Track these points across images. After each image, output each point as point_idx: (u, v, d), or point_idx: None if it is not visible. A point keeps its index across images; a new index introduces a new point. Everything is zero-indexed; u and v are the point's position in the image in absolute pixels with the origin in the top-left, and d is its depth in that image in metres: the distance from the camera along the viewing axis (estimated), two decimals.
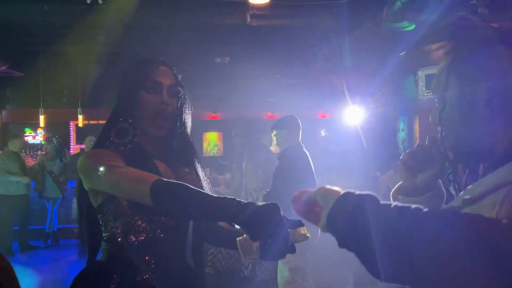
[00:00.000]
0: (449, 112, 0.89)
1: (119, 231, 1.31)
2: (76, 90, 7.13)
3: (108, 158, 1.27)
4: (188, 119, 1.43)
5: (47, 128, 8.79)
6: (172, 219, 1.34)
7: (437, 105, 0.90)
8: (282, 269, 3.45)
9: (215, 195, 1.11)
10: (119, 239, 1.31)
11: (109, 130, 1.35)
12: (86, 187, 1.34)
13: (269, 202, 1.00)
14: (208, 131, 10.36)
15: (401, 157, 1.07)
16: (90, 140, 6.65)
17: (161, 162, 1.38)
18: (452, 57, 0.88)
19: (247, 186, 4.76)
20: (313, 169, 3.54)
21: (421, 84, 5.62)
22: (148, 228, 1.31)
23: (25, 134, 9.95)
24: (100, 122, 9.84)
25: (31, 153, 9.36)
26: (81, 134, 8.41)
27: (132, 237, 1.30)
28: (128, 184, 1.20)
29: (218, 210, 1.05)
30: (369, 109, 7.76)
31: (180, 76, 1.44)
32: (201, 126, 10.25)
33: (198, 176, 1.44)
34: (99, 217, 1.35)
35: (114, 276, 1.28)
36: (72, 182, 6.69)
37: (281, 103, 8.21)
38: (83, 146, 6.87)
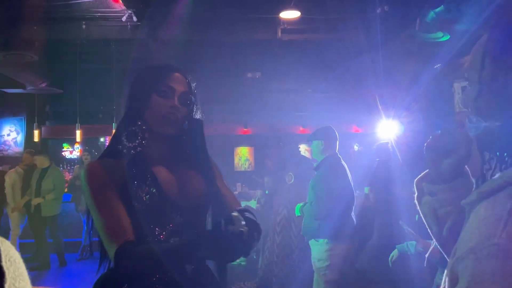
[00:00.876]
0: (482, 97, 0.80)
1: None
2: (111, 106, 7.31)
3: (99, 183, 1.26)
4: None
5: (84, 143, 9.04)
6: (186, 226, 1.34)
7: (469, 87, 0.83)
8: (319, 281, 3.38)
9: (172, 246, 1.23)
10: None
11: (119, 134, 1.36)
12: None
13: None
14: (239, 146, 10.39)
15: (427, 141, 1.01)
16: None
17: (162, 168, 1.37)
18: (489, 38, 0.80)
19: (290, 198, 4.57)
20: (351, 181, 3.47)
21: (457, 97, 5.45)
22: (163, 235, 1.31)
23: (63, 150, 10.26)
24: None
25: (69, 167, 9.63)
26: None
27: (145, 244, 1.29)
28: (101, 232, 1.25)
29: (179, 259, 1.19)
30: (403, 123, 7.59)
31: (194, 85, 1.44)
32: (233, 141, 10.29)
33: (209, 181, 1.42)
34: None
35: (126, 285, 1.28)
36: (67, 196, 6.82)
37: (313, 117, 8.14)
38: None
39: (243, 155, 10.43)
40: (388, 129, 7.23)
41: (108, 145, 1.43)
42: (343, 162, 3.48)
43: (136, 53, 6.29)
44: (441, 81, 6.19)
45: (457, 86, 5.43)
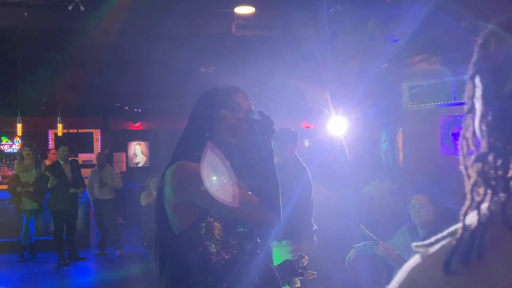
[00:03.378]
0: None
1: (213, 250, 1.41)
2: (56, 98, 6.96)
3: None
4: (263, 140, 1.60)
5: (24, 137, 8.57)
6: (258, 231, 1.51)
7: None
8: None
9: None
10: (214, 259, 1.40)
11: (191, 143, 1.54)
12: (173, 203, 1.44)
13: None
14: None
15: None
16: (63, 150, 6.45)
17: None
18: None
19: None
20: (310, 182, 3.39)
21: (405, 96, 5.66)
22: (237, 243, 1.43)
23: (1, 143, 9.68)
24: (81, 131, 9.67)
25: (8, 162, 9.10)
26: (60, 143, 8.19)
27: (225, 255, 1.41)
28: (252, 208, 1.44)
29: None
30: (351, 120, 7.79)
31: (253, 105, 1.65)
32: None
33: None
34: (188, 239, 1.42)
35: None
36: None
37: (265, 113, 8.16)
38: None
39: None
40: (337, 125, 7.38)
41: (180, 150, 1.57)
42: (300, 163, 3.44)
43: (83, 43, 6.03)
44: (390, 80, 6.40)
45: (405, 85, 5.64)
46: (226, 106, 1.56)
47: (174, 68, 7.63)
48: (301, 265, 1.74)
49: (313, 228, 3.24)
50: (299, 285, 1.79)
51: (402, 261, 2.49)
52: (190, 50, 6.66)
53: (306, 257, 1.80)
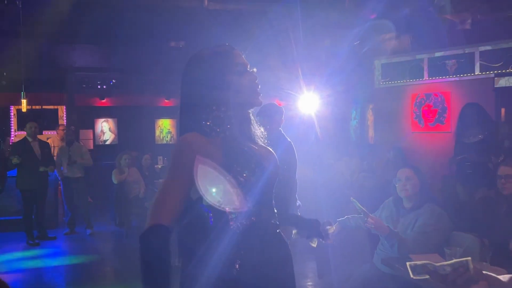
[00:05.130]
0: None
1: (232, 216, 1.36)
2: (19, 72, 6.64)
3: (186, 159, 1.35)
4: None
5: None
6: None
7: None
8: None
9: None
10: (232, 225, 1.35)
11: (202, 116, 1.42)
12: None
13: None
14: (160, 118, 10.08)
15: None
16: (31, 126, 6.18)
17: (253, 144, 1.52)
18: None
19: None
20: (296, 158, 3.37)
21: (377, 73, 5.73)
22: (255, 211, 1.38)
23: None
24: (45, 107, 9.31)
25: None
26: (24, 120, 7.86)
27: (243, 221, 1.36)
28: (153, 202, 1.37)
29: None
30: (323, 97, 7.84)
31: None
32: (154, 113, 9.95)
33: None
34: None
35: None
36: (12, 172, 6.22)
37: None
38: (24, 133, 6.39)
39: (164, 127, 10.13)
40: (308, 102, 7.42)
41: (185, 124, 1.47)
42: (286, 139, 3.40)
43: (45, 15, 5.74)
44: (361, 57, 6.45)
45: (378, 62, 5.69)
46: (235, 71, 1.45)
47: (142, 42, 7.41)
48: (326, 229, 1.77)
49: (297, 204, 3.27)
50: (315, 244, 1.80)
51: (391, 233, 2.58)
52: (160, 23, 6.47)
53: (333, 226, 1.84)
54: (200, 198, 1.36)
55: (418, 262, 1.49)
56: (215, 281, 1.33)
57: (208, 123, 1.42)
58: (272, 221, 1.46)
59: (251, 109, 1.53)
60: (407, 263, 1.53)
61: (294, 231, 1.85)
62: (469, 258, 1.40)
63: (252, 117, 1.55)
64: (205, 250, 1.36)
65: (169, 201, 1.34)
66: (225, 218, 1.34)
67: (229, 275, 1.33)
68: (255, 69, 1.52)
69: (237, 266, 1.34)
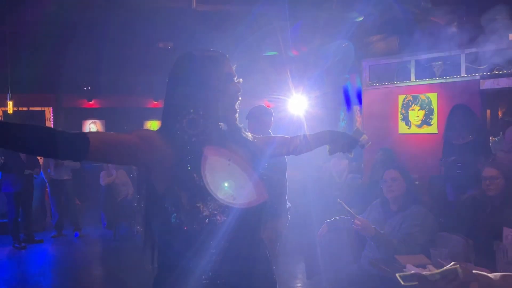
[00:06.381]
0: None
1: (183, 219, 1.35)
2: (5, 73, 6.56)
3: (141, 135, 1.35)
4: None
5: None
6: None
7: None
8: None
9: None
10: (185, 228, 1.35)
11: (179, 116, 1.41)
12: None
13: None
14: (149, 120, 10.03)
15: None
16: None
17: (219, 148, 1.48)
18: None
19: None
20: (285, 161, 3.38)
21: (365, 75, 5.76)
22: (209, 213, 1.36)
23: None
24: (32, 108, 9.21)
25: None
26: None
27: (196, 225, 1.35)
28: None
29: None
30: (311, 98, 7.87)
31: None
32: (143, 114, 9.89)
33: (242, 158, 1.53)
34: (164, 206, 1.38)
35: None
36: None
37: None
38: None
39: (153, 129, 10.07)
40: (297, 104, 7.44)
41: (162, 122, 1.47)
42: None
43: (34, 15, 5.69)
44: (349, 58, 6.48)
45: (365, 64, 5.73)
46: (219, 77, 1.44)
47: (131, 43, 7.37)
48: (360, 139, 1.80)
49: (287, 206, 3.27)
50: (352, 155, 1.88)
51: (377, 234, 2.60)
52: (148, 24, 6.44)
53: (365, 135, 1.83)
54: (164, 195, 1.37)
55: (408, 273, 1.50)
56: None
57: (182, 123, 1.40)
58: (246, 226, 1.43)
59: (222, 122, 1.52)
60: (397, 274, 1.53)
61: (328, 147, 1.82)
62: (458, 265, 1.42)
63: (237, 124, 1.55)
64: (174, 253, 1.38)
65: (107, 135, 1.31)
66: (186, 219, 1.35)
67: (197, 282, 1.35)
68: (241, 80, 1.51)
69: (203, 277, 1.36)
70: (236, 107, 1.50)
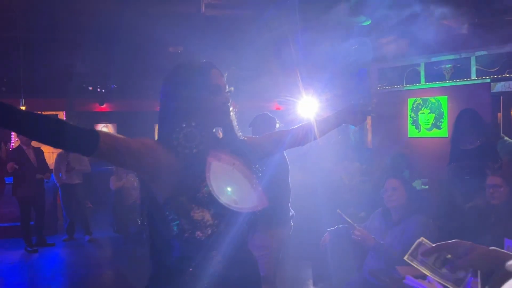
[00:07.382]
0: None
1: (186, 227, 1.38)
2: (18, 78, 6.67)
3: (142, 143, 1.39)
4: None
5: None
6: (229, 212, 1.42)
7: None
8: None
9: None
10: (186, 235, 1.38)
11: (174, 130, 1.43)
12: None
13: None
14: None
15: None
16: None
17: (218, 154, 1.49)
18: None
19: None
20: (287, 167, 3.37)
21: (374, 77, 5.73)
22: (212, 223, 1.39)
23: None
24: (44, 113, 9.33)
25: None
26: None
27: (199, 233, 1.37)
28: None
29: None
30: (321, 101, 7.84)
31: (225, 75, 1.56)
32: (153, 118, 9.91)
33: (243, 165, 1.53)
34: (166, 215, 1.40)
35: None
36: (9, 178, 6.24)
37: (236, 95, 8.10)
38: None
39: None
40: (307, 106, 7.42)
41: (159, 134, 1.50)
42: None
43: (47, 21, 5.77)
44: (359, 61, 6.45)
45: (374, 67, 5.69)
46: (209, 90, 1.46)
47: (141, 47, 7.43)
48: (370, 106, 1.81)
49: (290, 214, 3.25)
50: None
51: (377, 245, 2.57)
52: (159, 29, 6.49)
53: (374, 99, 1.87)
54: (166, 204, 1.39)
55: None
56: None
57: (179, 138, 1.43)
58: (238, 237, 1.46)
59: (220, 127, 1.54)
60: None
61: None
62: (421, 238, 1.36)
63: (233, 128, 1.57)
64: (171, 259, 1.41)
65: (115, 135, 1.36)
66: (189, 228, 1.37)
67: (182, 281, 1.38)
68: (232, 88, 1.52)
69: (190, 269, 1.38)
70: (229, 113, 1.51)
